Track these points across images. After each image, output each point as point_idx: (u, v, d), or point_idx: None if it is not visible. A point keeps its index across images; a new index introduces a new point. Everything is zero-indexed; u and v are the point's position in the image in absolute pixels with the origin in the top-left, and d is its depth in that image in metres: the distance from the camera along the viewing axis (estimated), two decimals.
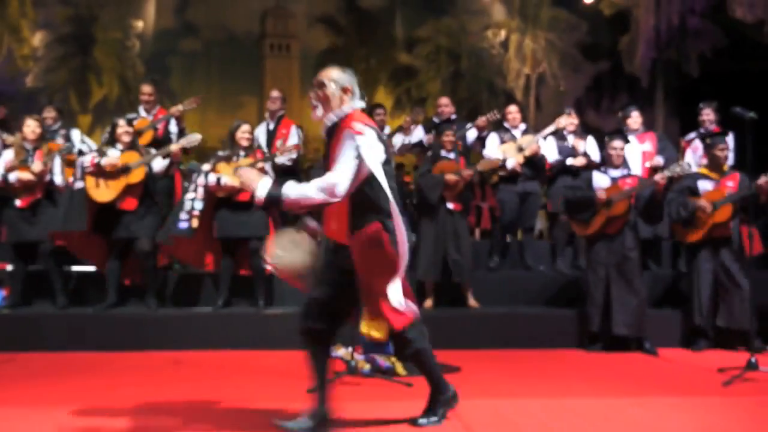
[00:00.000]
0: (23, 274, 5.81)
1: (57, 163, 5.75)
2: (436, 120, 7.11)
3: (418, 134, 6.99)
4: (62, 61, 13.94)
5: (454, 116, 7.22)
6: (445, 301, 6.10)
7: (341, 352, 5.03)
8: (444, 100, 7.32)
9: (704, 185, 5.61)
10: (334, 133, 2.97)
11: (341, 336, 5.16)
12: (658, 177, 5.30)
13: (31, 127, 5.72)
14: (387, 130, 7.01)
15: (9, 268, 6.01)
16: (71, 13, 13.85)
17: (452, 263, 5.91)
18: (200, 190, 5.63)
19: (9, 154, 5.70)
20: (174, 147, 5.70)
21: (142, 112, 6.68)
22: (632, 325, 5.38)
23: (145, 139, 6.30)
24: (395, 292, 2.99)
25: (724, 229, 5.50)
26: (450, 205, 6.00)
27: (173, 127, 6.63)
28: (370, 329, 3.01)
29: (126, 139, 5.65)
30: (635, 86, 12.62)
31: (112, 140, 5.69)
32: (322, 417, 3.09)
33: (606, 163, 5.72)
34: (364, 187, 2.92)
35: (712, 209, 5.42)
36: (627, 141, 5.77)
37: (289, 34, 14.10)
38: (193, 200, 5.59)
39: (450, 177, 5.92)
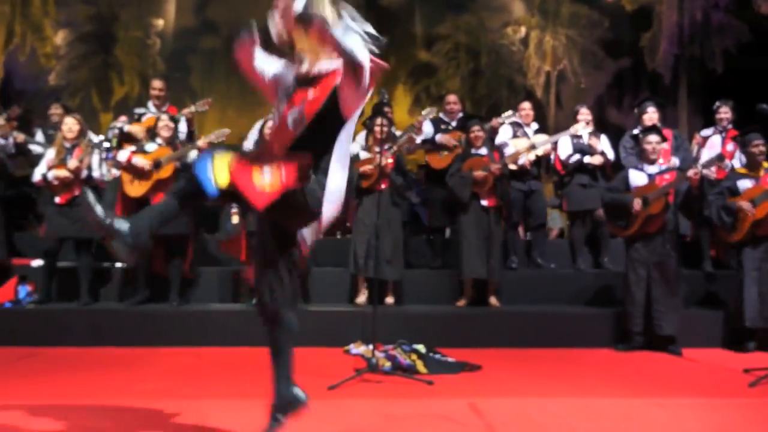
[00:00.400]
0: (51, 271, 5.88)
1: (95, 158, 5.82)
2: (444, 118, 7.05)
3: (427, 130, 6.94)
4: (84, 60, 14.09)
5: (461, 114, 7.16)
6: (478, 300, 6.06)
7: (362, 349, 5.05)
8: (452, 98, 7.24)
9: (744, 184, 5.48)
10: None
11: (361, 334, 5.24)
12: (691, 173, 5.22)
13: (68, 125, 5.82)
14: (392, 129, 6.97)
15: (34, 264, 6.09)
16: (93, 12, 13.99)
17: (487, 261, 5.87)
18: None
19: (51, 153, 5.81)
20: (202, 141, 5.73)
21: (152, 108, 6.70)
22: (672, 325, 5.32)
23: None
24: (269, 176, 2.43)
25: (767, 227, 5.36)
26: (484, 202, 5.96)
27: (183, 127, 6.64)
28: (222, 169, 2.40)
29: (165, 134, 5.73)
30: (658, 83, 12.46)
31: (125, 138, 5.80)
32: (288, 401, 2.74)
33: (643, 159, 5.63)
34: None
35: (753, 207, 5.33)
36: (663, 137, 5.68)
37: None
38: None
39: (478, 173, 5.88)
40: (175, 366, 4.67)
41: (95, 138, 6.40)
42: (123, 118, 6.47)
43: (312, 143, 2.52)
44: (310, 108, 2.51)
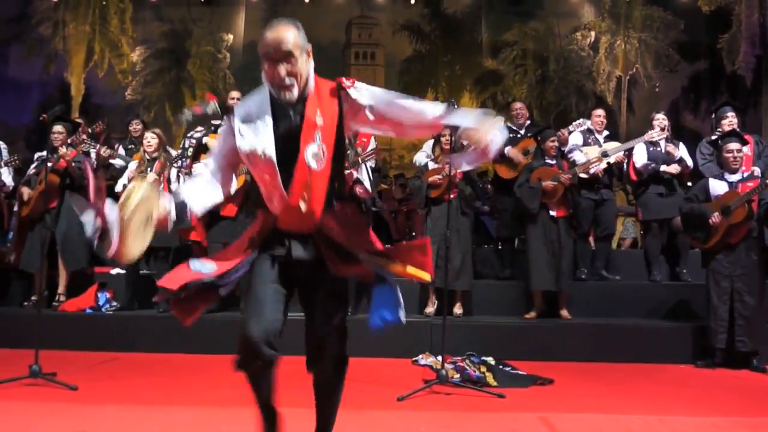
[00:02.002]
0: (131, 279, 6.10)
1: (173, 172, 6.01)
2: (511, 126, 6.94)
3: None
4: (158, 75, 14.62)
5: (529, 121, 7.05)
6: (549, 312, 5.92)
7: (430, 360, 5.00)
8: (518, 105, 7.13)
9: None
10: (308, 101, 2.27)
11: (429, 344, 5.20)
12: None
13: (147, 139, 6.08)
14: None
15: (113, 272, 6.33)
16: (167, 29, 14.53)
17: (556, 272, 5.75)
18: None
19: (133, 166, 6.08)
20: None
21: None
22: (755, 340, 5.06)
23: None
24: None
25: None
26: (553, 212, 5.84)
27: None
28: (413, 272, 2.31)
29: None
30: (737, 86, 11.92)
31: (203, 149, 5.95)
32: None
33: (724, 168, 5.40)
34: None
35: None
36: (744, 142, 5.42)
37: (374, 42, 14.19)
38: None
39: (548, 184, 5.78)
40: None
41: (173, 152, 6.61)
42: (201, 129, 6.65)
43: (339, 176, 2.33)
44: (328, 136, 2.25)
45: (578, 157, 6.37)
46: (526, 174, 5.98)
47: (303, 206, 2.22)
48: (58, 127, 6.01)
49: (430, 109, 2.30)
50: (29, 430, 3.20)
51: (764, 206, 5.08)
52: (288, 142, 2.23)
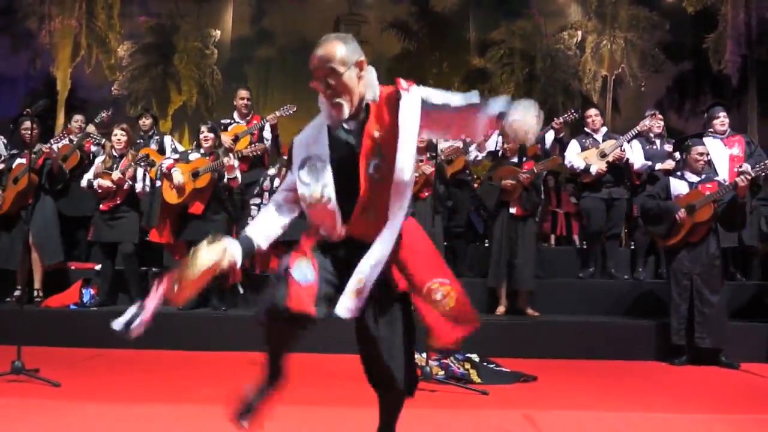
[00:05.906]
0: (111, 274, 6.06)
1: (140, 170, 5.97)
2: None
3: (493, 142, 6.89)
4: (145, 70, 14.54)
5: None
6: (517, 309, 5.97)
7: (415, 357, 5.01)
8: None
9: None
10: (370, 114, 2.21)
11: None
12: (738, 179, 5.02)
13: (117, 136, 6.00)
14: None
15: (97, 267, 6.29)
16: (154, 24, 14.44)
17: (513, 269, 5.81)
18: (266, 195, 5.83)
19: (100, 160, 6.00)
20: (271, 117, 5.73)
21: (237, 118, 6.83)
22: (716, 337, 5.13)
23: (242, 144, 6.47)
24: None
25: None
26: (512, 210, 5.90)
27: (267, 134, 6.74)
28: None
29: (206, 144, 5.83)
30: (722, 86, 12.05)
31: (199, 145, 5.94)
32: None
33: (686, 167, 5.47)
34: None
35: None
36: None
37: (362, 39, 14.21)
38: (260, 205, 5.76)
39: (506, 182, 5.83)
40: (231, 370, 4.73)
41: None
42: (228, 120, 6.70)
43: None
44: (389, 147, 2.18)
45: (578, 163, 6.36)
46: (491, 172, 6.04)
47: (369, 218, 2.19)
48: (27, 124, 5.93)
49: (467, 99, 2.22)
50: (11, 426, 3.18)
51: (722, 206, 5.17)
52: (348, 164, 2.18)
